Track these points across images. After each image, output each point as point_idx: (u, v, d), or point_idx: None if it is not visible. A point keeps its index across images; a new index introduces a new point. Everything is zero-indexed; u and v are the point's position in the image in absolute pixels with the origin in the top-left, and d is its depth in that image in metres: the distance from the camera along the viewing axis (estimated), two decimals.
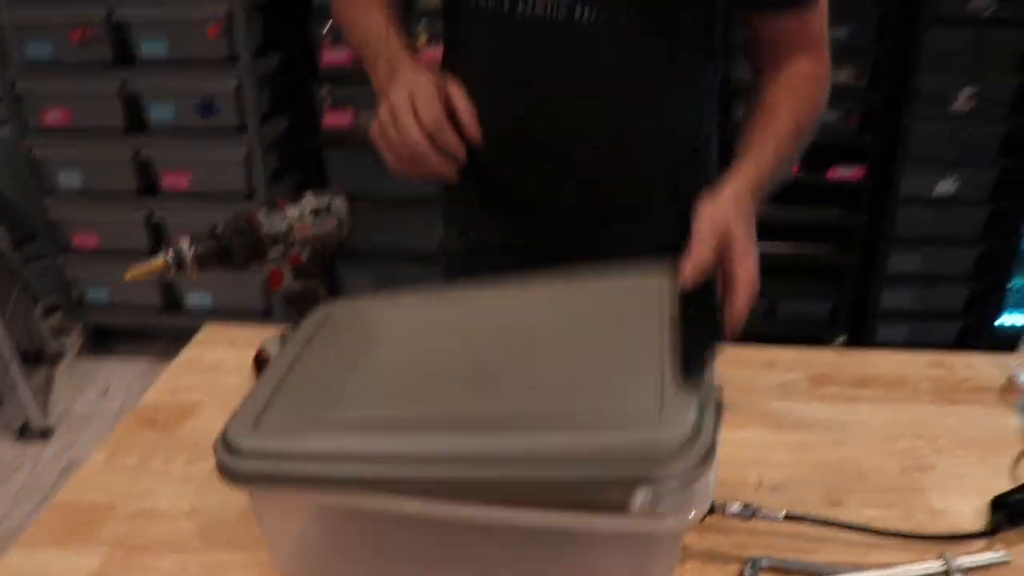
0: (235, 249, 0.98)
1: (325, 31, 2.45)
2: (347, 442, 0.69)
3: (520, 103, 1.06)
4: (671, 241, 0.87)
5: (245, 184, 2.58)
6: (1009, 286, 2.66)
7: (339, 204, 1.05)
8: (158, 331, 2.94)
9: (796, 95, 1.03)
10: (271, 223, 1.01)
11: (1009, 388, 1.11)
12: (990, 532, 0.85)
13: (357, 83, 2.41)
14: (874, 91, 2.39)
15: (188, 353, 1.21)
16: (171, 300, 2.83)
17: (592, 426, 0.66)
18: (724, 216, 0.87)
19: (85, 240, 2.75)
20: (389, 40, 1.02)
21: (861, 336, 2.70)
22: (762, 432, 1.02)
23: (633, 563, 0.70)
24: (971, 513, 0.88)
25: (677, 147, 1.11)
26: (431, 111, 0.89)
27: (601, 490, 0.62)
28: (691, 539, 0.83)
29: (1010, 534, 0.85)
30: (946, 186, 2.50)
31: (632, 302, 0.83)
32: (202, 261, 0.96)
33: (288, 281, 1.05)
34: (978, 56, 2.35)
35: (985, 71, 2.37)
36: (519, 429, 0.67)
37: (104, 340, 2.98)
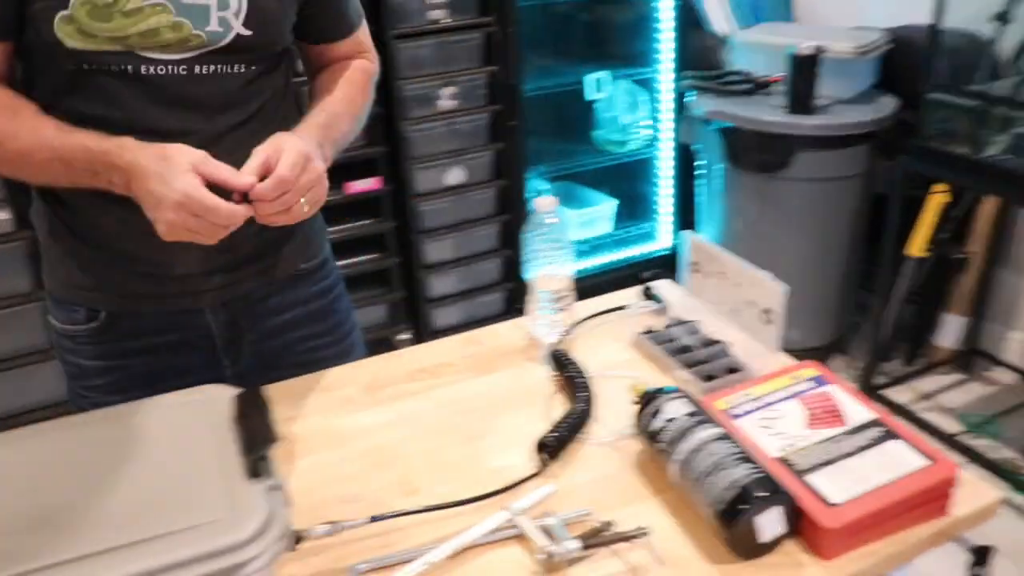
0: None
1: None
2: None
3: None
4: None
5: None
6: None
7: None
8: None
9: (348, 78, 1.33)
10: None
11: (531, 345, 1.28)
12: (539, 472, 1.00)
13: None
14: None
15: None
16: None
17: (170, 546, 0.71)
18: (288, 137, 1.06)
19: None
20: (95, 145, 1.01)
21: (422, 326, 2.90)
22: (331, 452, 1.08)
23: None
24: (525, 461, 1.02)
25: None
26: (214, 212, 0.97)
27: None
28: (295, 568, 0.87)
29: (555, 467, 1.01)
30: (455, 175, 2.76)
31: (194, 418, 0.89)
32: None
33: None
34: (447, 60, 2.62)
35: (456, 72, 2.64)
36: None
37: None
